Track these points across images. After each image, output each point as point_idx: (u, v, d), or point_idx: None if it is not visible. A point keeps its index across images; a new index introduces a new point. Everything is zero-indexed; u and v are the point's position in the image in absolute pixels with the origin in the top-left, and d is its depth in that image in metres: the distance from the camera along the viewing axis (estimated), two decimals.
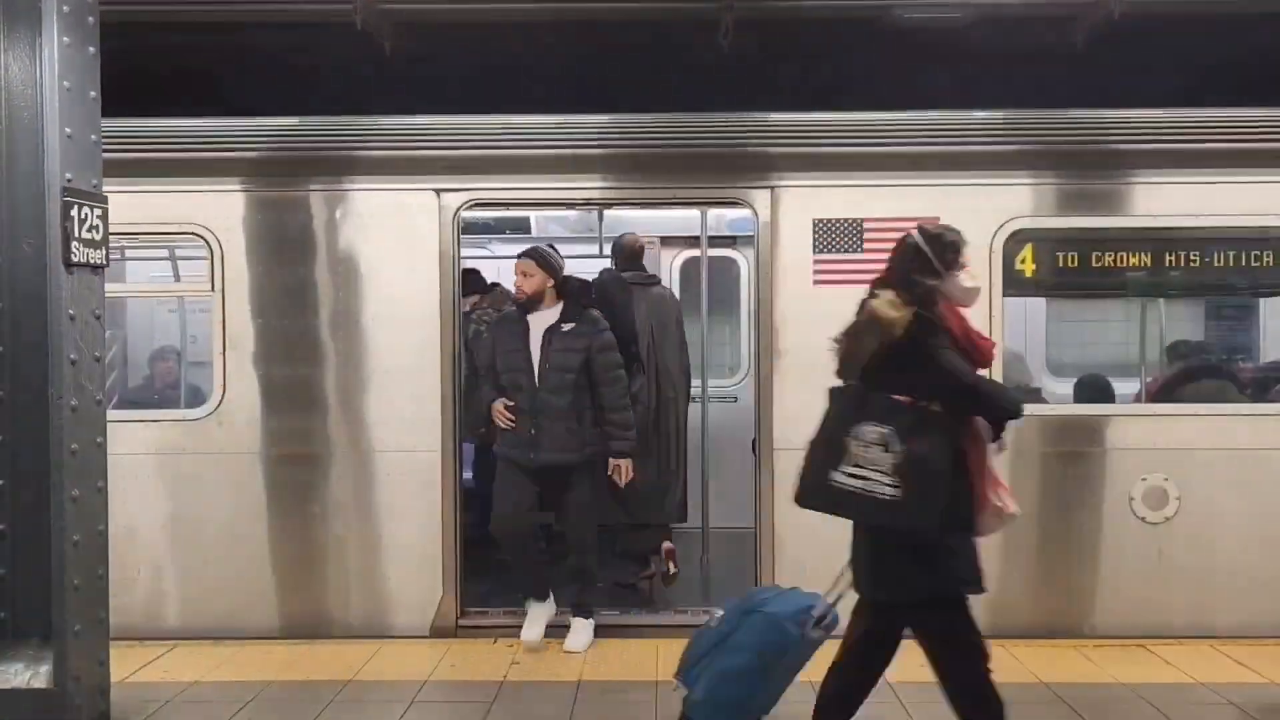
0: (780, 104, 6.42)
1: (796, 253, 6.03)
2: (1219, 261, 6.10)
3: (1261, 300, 7.86)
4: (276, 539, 6.09)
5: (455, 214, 6.09)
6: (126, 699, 4.91)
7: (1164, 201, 6.03)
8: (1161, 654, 5.66)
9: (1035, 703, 4.98)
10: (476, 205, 6.22)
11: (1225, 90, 6.24)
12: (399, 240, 6.09)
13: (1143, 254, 6.11)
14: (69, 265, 4.35)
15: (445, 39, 7.11)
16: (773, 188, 6.07)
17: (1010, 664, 5.42)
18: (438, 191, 6.09)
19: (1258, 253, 6.06)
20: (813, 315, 5.94)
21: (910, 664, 5.34)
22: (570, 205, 7.06)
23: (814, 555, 5.91)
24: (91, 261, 4.47)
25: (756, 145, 6.21)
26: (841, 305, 5.95)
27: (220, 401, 6.06)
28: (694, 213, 7.85)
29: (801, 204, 6.04)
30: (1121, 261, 6.14)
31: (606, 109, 6.36)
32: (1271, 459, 5.98)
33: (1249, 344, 8.38)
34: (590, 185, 6.25)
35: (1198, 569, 5.98)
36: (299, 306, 6.09)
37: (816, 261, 6.01)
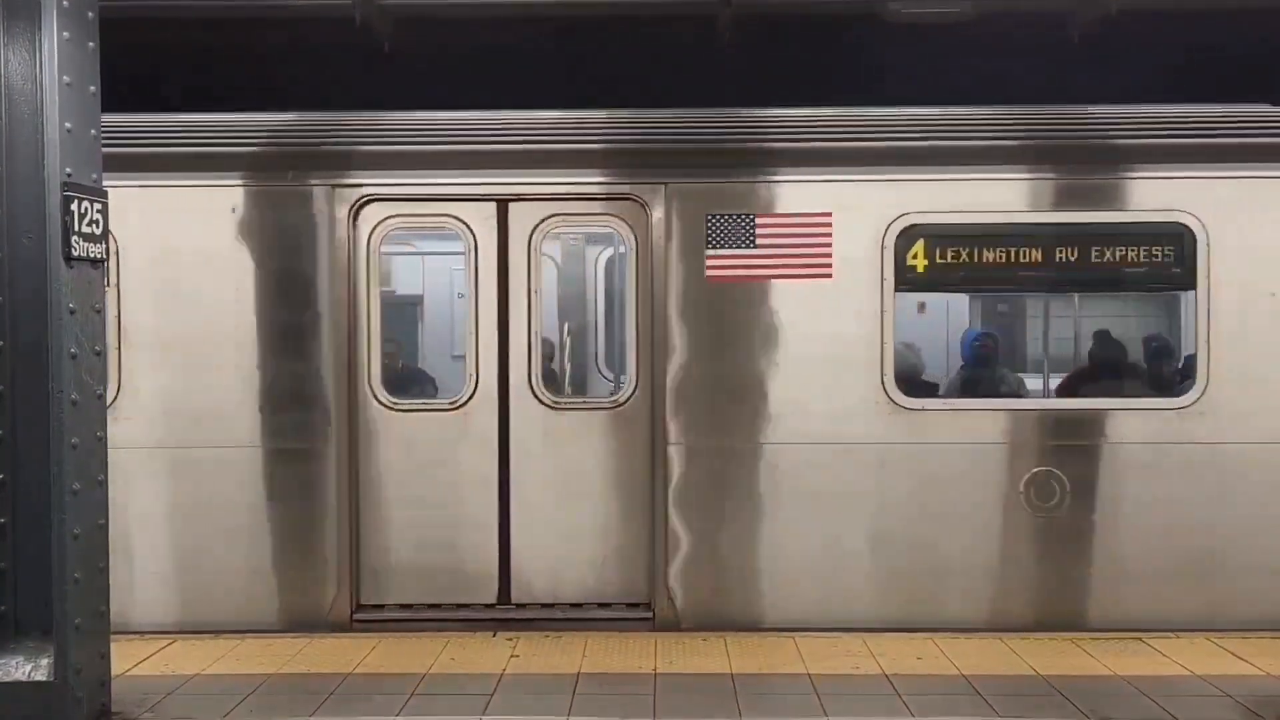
0: (768, 99, 6.47)
1: (690, 248, 6.03)
2: (1108, 257, 6.10)
3: (1155, 295, 7.81)
4: None
5: (351, 209, 6.10)
6: (127, 692, 4.92)
7: (1055, 197, 6.05)
8: (1157, 646, 5.69)
9: (1033, 695, 5.01)
10: (372, 201, 6.16)
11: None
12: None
13: (1035, 249, 6.09)
14: (69, 260, 4.36)
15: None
16: (666, 184, 6.08)
17: (1008, 658, 5.48)
18: (333, 187, 6.11)
19: (1148, 248, 6.06)
20: (706, 311, 6.00)
21: (907, 657, 5.42)
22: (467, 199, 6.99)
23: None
24: (91, 255, 4.48)
25: (650, 141, 6.24)
26: (734, 299, 6.07)
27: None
28: None
29: (695, 200, 6.04)
30: (1014, 257, 6.13)
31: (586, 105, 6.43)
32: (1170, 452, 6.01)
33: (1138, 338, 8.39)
34: (493, 180, 6.21)
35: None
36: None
37: (710, 257, 6.04)
